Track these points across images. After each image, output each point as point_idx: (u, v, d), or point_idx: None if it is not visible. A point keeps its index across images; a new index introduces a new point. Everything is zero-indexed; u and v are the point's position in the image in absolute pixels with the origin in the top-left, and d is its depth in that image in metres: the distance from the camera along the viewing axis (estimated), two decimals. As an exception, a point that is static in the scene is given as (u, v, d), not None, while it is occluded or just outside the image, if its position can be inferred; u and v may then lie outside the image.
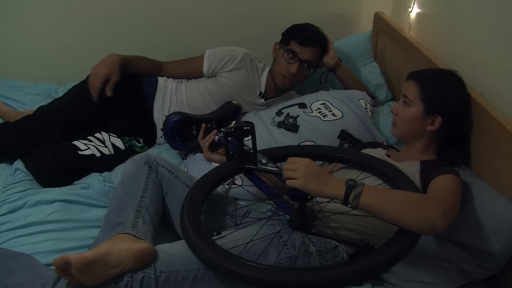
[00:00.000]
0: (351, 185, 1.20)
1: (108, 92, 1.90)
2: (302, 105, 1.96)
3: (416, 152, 1.57)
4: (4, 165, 1.85)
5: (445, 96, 1.54)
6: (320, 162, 1.78)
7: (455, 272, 1.45)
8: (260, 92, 2.13)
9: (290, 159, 1.29)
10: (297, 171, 1.24)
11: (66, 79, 2.38)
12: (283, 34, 2.10)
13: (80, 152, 1.83)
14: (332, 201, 1.38)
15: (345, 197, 1.19)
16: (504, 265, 1.43)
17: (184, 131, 1.89)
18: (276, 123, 1.93)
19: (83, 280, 1.14)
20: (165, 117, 1.92)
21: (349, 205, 1.20)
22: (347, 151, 1.68)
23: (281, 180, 1.42)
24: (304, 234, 1.35)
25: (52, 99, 2.05)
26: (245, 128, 1.40)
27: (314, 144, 1.84)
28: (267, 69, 2.15)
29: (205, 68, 2.08)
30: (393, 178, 1.40)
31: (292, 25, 2.10)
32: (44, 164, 1.78)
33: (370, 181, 1.45)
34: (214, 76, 2.10)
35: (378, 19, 2.42)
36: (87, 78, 2.06)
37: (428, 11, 2.11)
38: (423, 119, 1.54)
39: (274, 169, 1.42)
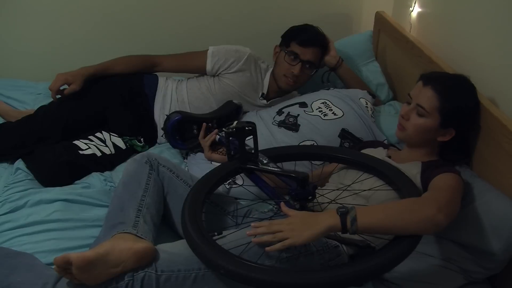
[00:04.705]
0: (344, 212, 1.17)
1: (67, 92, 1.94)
2: (303, 104, 1.96)
3: (418, 153, 1.56)
4: (5, 164, 1.85)
5: (466, 114, 1.52)
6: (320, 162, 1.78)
7: (456, 272, 1.45)
8: (263, 93, 2.12)
9: (269, 224, 1.20)
10: (284, 232, 1.15)
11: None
12: (282, 37, 2.09)
13: (81, 152, 1.83)
14: (333, 201, 1.38)
15: (342, 225, 1.16)
16: (505, 264, 1.43)
17: (185, 130, 1.89)
18: (277, 122, 1.93)
19: (84, 279, 1.14)
20: (165, 116, 1.92)
21: (348, 232, 1.16)
22: (348, 151, 1.67)
23: (282, 180, 1.42)
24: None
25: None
26: (246, 128, 1.40)
27: (315, 143, 1.83)
28: (270, 70, 2.14)
29: (208, 67, 2.07)
30: (394, 179, 1.40)
31: (291, 27, 2.09)
32: (45, 163, 1.78)
33: (371, 182, 1.45)
34: (217, 76, 2.09)
35: (379, 19, 2.42)
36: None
37: (429, 10, 2.11)
38: (437, 131, 1.50)
39: (275, 169, 1.42)
